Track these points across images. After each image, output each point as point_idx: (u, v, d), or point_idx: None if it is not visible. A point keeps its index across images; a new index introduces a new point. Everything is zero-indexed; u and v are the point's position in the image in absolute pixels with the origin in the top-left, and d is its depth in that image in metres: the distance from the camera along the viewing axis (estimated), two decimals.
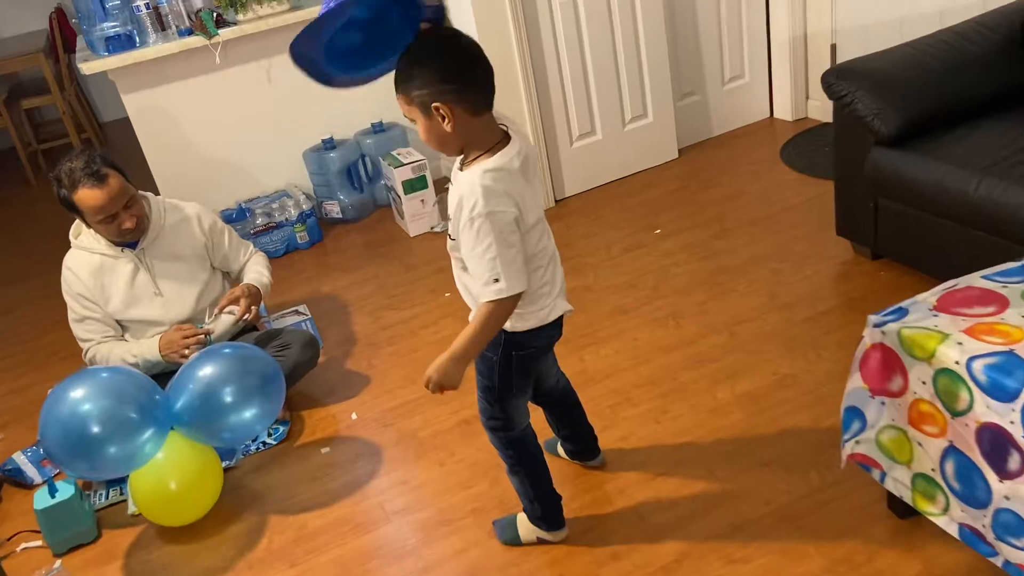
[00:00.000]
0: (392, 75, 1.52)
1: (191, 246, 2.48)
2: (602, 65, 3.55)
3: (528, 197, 1.57)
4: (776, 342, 2.43)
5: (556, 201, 3.65)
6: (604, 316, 2.73)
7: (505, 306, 1.55)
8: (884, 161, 2.42)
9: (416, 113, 1.51)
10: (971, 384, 1.43)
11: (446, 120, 1.48)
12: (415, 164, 3.58)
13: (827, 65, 3.77)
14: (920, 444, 1.59)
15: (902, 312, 1.62)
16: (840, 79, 2.49)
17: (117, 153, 3.65)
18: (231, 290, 2.46)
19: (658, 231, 3.23)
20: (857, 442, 1.72)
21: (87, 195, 2.22)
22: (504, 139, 1.56)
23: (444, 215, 3.70)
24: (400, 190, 3.60)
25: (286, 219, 3.70)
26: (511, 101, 3.38)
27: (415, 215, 3.65)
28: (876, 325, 1.62)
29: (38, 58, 5.05)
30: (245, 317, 2.40)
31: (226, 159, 3.76)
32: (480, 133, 1.53)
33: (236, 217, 3.64)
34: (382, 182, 3.90)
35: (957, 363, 1.45)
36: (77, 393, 1.97)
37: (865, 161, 2.48)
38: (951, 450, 1.53)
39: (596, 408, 2.28)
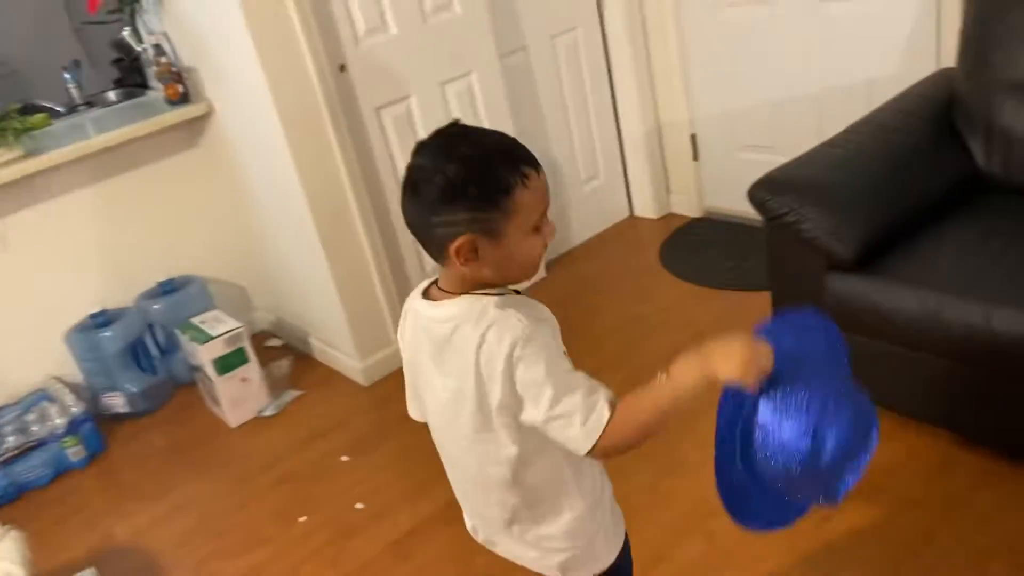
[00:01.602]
0: None
1: None
2: None
3: None
4: None
5: None
6: None
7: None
8: (849, 291, 1.96)
9: None
10: None
11: None
12: (229, 335, 2.73)
13: (688, 157, 3.44)
14: None
15: None
16: (774, 194, 2.04)
17: None
18: None
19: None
20: None
21: None
22: None
23: (273, 393, 2.86)
24: (211, 371, 2.72)
25: (49, 433, 2.69)
26: (350, 242, 2.68)
27: (236, 400, 2.78)
28: None
29: None
30: None
31: None
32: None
33: None
34: (180, 355, 2.99)
35: None
36: None
37: (820, 290, 2.02)
38: None
39: None
